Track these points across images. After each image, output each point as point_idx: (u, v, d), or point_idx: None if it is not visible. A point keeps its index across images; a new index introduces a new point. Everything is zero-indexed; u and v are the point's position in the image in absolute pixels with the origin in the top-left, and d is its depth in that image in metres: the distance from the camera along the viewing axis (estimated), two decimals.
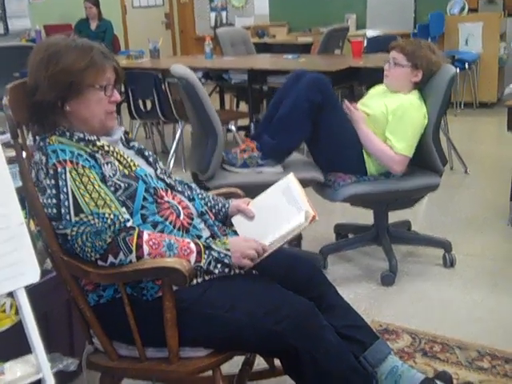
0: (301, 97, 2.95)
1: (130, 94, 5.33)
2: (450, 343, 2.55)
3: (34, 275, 1.46)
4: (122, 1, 9.48)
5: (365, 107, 3.12)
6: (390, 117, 2.98)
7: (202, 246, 1.75)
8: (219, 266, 1.76)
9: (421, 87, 3.08)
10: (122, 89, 5.36)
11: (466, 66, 6.90)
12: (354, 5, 8.40)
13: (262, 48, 7.29)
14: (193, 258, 1.72)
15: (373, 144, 3.00)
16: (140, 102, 5.51)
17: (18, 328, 1.59)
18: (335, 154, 3.03)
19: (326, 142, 3.03)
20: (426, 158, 3.07)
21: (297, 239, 3.15)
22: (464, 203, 4.33)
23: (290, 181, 2.07)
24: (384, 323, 2.71)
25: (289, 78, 3.15)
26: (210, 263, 1.75)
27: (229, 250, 1.78)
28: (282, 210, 1.96)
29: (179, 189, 1.95)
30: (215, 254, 1.76)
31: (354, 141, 3.02)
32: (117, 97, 1.87)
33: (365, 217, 3.42)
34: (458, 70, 6.43)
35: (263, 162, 3.03)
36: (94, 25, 7.74)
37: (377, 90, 3.25)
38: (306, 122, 2.97)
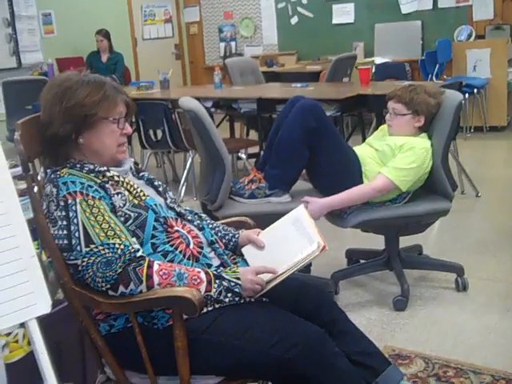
0: (295, 125, 2.98)
1: (141, 124, 5.40)
2: (464, 368, 2.53)
3: (45, 306, 1.48)
4: (133, 33, 9.62)
5: (373, 144, 3.17)
6: (396, 151, 3.01)
7: (212, 276, 1.76)
8: (230, 295, 1.77)
9: (426, 130, 3.11)
10: (133, 119, 5.43)
11: (475, 91, 6.93)
12: (362, 33, 8.47)
13: (271, 77, 7.35)
14: (203, 287, 1.73)
15: (356, 197, 2.98)
16: (151, 132, 5.57)
17: (31, 358, 1.61)
18: (335, 180, 3.01)
19: (325, 168, 3.04)
20: (436, 183, 3.08)
21: (306, 265, 3.15)
22: (475, 227, 4.32)
23: (300, 212, 2.10)
24: (397, 348, 2.70)
25: (286, 104, 3.19)
26: (220, 293, 1.76)
27: (239, 278, 1.79)
28: (292, 241, 1.98)
29: (189, 218, 1.97)
30: (226, 284, 1.77)
31: (351, 166, 3.04)
32: (128, 129, 1.93)
33: (376, 242, 3.42)
34: (466, 95, 6.52)
35: (270, 192, 3.05)
36: (105, 57, 7.86)
37: (382, 130, 3.29)
38: (302, 150, 2.99)
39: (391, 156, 3.02)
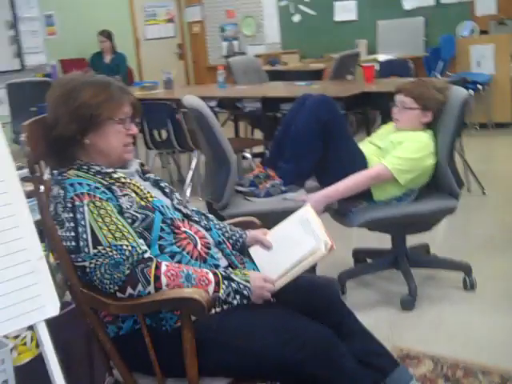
0: (310, 118, 2.98)
1: (146, 125, 5.39)
2: (473, 368, 2.51)
3: (54, 308, 1.47)
4: (135, 34, 9.62)
5: (376, 141, 3.17)
6: (397, 146, 3.00)
7: (220, 277, 1.76)
8: (238, 297, 1.77)
9: (432, 126, 3.09)
10: (138, 119, 5.42)
11: (480, 87, 6.90)
12: (365, 30, 8.45)
13: (275, 75, 7.33)
14: (211, 288, 1.73)
15: (351, 184, 2.95)
16: (155, 133, 5.56)
17: (39, 361, 1.60)
18: (341, 176, 2.97)
19: (333, 163, 3.02)
20: (442, 181, 3.06)
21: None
22: (483, 225, 4.30)
23: (307, 211, 2.09)
24: (405, 348, 2.68)
25: (295, 103, 3.19)
26: (228, 294, 1.75)
27: (248, 281, 1.78)
28: (299, 241, 1.97)
29: (196, 219, 1.97)
30: (235, 285, 1.76)
31: (358, 163, 3.03)
32: (134, 130, 1.93)
33: (383, 241, 3.40)
34: (470, 91, 6.50)
35: (286, 188, 3.05)
36: (108, 58, 7.86)
37: (386, 128, 3.29)
38: (317, 143, 2.99)
39: (393, 151, 3.01)
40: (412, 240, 3.37)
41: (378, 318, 2.98)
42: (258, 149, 5.82)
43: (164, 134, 5.53)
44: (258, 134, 6.35)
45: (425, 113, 3.06)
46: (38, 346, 1.90)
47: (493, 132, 7.16)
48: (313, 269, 3.21)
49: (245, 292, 1.77)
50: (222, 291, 1.74)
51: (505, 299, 3.12)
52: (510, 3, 7.58)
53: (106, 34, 7.81)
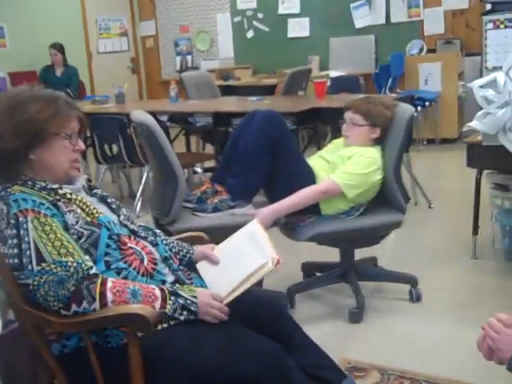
0: (258, 134, 3.02)
1: (96, 139, 5.34)
2: (419, 378, 2.56)
3: None
4: (88, 47, 9.54)
5: (325, 156, 3.22)
6: (346, 161, 3.06)
7: (167, 292, 1.76)
8: (185, 312, 1.77)
9: (381, 142, 3.16)
10: (88, 134, 5.37)
11: (427, 104, 7.08)
12: (317, 47, 8.57)
13: (227, 90, 7.38)
14: (158, 304, 1.73)
15: (300, 199, 2.97)
16: (106, 147, 5.51)
17: None
18: (289, 191, 2.99)
19: (281, 178, 3.06)
20: (389, 196, 3.13)
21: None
22: (429, 238, 4.39)
23: (255, 226, 2.11)
24: (353, 360, 2.72)
25: (243, 118, 3.23)
26: (175, 310, 1.75)
27: (196, 297, 1.79)
28: (247, 255, 1.99)
29: (142, 235, 1.96)
30: (181, 301, 1.76)
31: (306, 177, 3.06)
32: (81, 145, 1.92)
33: (331, 254, 3.45)
34: (418, 108, 6.66)
35: (234, 203, 3.06)
36: (59, 71, 7.76)
37: (335, 143, 3.35)
38: (266, 158, 3.02)
39: (341, 166, 3.07)
40: (360, 253, 3.42)
41: (327, 331, 3.01)
42: (209, 163, 5.83)
43: (115, 149, 5.49)
44: (210, 149, 6.36)
45: (373, 129, 3.13)
46: None
47: (439, 147, 7.34)
48: (259, 282, 3.24)
49: (192, 308, 1.77)
50: (168, 307, 1.74)
51: (450, 310, 3.19)
52: (458, 23, 7.82)
53: (58, 47, 7.71)
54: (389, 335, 2.96)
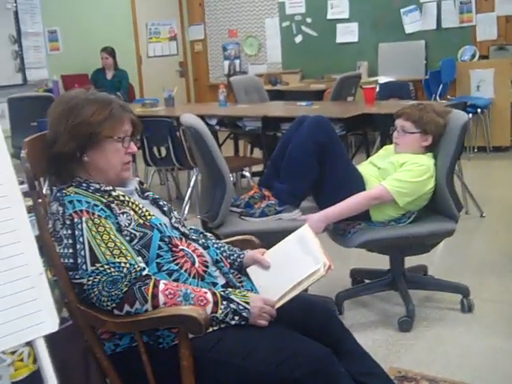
0: (306, 139, 3.00)
1: (145, 142, 5.40)
2: None
3: (52, 325, 1.47)
4: (138, 51, 9.67)
5: (376, 162, 3.18)
6: (398, 168, 3.02)
7: (219, 297, 1.75)
8: (237, 318, 1.76)
9: (432, 149, 3.11)
10: (138, 137, 5.44)
11: (479, 111, 6.95)
12: (366, 52, 8.51)
13: (275, 95, 7.37)
14: (209, 308, 1.73)
15: (351, 205, 2.95)
16: (155, 149, 5.58)
17: (36, 377, 1.59)
18: (338, 198, 2.97)
19: (330, 185, 3.03)
20: (441, 204, 3.07)
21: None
22: (480, 247, 4.30)
23: (305, 231, 2.10)
24: (402, 370, 2.67)
25: (292, 123, 3.21)
26: (226, 315, 1.75)
27: (248, 303, 1.78)
28: (297, 260, 1.97)
29: (193, 237, 1.97)
30: (234, 306, 1.76)
31: (355, 184, 3.03)
32: (134, 148, 1.93)
33: (381, 261, 3.40)
34: (470, 115, 6.53)
35: (281, 208, 3.05)
36: (109, 74, 7.90)
37: (387, 150, 3.30)
38: (314, 163, 3.00)
39: (393, 173, 3.02)
40: (410, 261, 3.37)
41: (376, 339, 2.97)
42: (257, 168, 5.83)
43: (163, 151, 5.55)
44: (258, 153, 6.37)
45: (425, 137, 3.08)
46: (35, 361, 1.89)
47: (491, 155, 7.19)
48: (306, 288, 3.23)
49: (244, 313, 1.76)
50: (220, 311, 1.74)
51: (502, 322, 3.11)
52: (511, 29, 7.65)
53: (109, 51, 7.87)
54: (439, 345, 2.90)
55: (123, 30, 9.28)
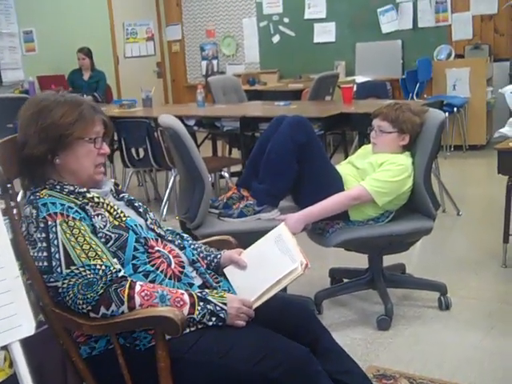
0: (286, 139, 2.99)
1: (123, 143, 5.37)
2: None
3: (29, 328, 1.45)
4: (115, 51, 9.61)
5: (354, 162, 3.18)
6: (377, 168, 3.03)
7: (196, 298, 1.74)
8: (214, 319, 1.75)
9: (410, 149, 3.12)
10: (115, 137, 5.41)
11: (455, 110, 7.01)
12: (343, 52, 8.54)
13: (254, 95, 7.37)
14: (186, 309, 1.72)
15: (330, 205, 2.95)
16: (133, 150, 5.55)
17: (12, 381, 1.57)
18: (317, 197, 2.97)
19: (308, 185, 3.03)
20: (419, 202, 3.08)
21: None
22: (458, 245, 4.34)
23: (282, 230, 2.09)
24: (381, 368, 2.68)
25: (270, 123, 3.20)
26: (204, 316, 1.74)
27: (225, 304, 1.77)
28: (275, 260, 1.97)
29: (169, 238, 1.96)
30: (211, 307, 1.75)
31: (334, 184, 3.03)
32: (106, 149, 1.91)
33: (359, 261, 3.41)
34: (446, 114, 6.58)
35: (259, 208, 3.04)
36: (86, 75, 7.83)
37: (365, 149, 3.31)
38: (293, 163, 2.99)
39: (372, 173, 3.03)
40: (388, 260, 3.38)
41: (355, 338, 2.98)
42: (236, 168, 5.82)
43: (141, 152, 5.52)
44: (236, 154, 6.36)
45: (402, 136, 3.09)
46: (11, 365, 1.86)
47: (467, 154, 7.26)
48: (284, 288, 3.22)
49: (221, 314, 1.76)
50: (197, 312, 1.73)
51: (480, 319, 3.14)
52: (486, 28, 7.74)
53: (86, 52, 7.80)
54: (418, 343, 2.92)
55: (100, 31, 9.21)
